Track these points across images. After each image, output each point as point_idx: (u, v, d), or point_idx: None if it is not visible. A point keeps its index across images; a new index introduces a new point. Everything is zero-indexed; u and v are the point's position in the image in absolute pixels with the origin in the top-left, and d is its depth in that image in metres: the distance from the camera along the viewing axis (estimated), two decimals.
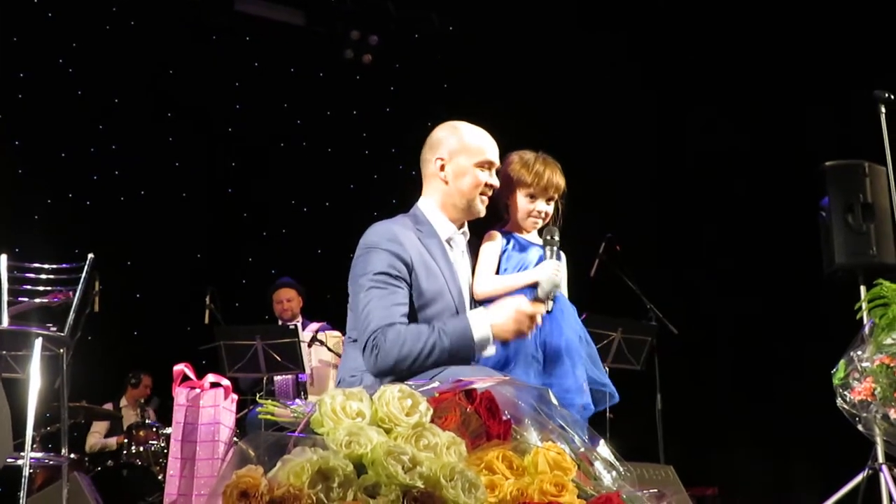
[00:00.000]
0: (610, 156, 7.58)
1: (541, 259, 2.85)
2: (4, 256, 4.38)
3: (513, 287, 2.79)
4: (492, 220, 3.00)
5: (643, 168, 7.56)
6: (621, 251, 6.11)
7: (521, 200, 2.91)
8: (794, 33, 7.00)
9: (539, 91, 8.10)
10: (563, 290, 2.86)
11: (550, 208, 2.93)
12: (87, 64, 7.78)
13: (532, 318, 2.63)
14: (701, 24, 7.36)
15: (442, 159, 2.84)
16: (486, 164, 2.83)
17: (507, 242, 2.91)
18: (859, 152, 4.66)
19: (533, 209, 2.90)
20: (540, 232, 2.94)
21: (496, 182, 2.86)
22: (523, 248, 2.90)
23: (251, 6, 8.46)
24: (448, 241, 2.85)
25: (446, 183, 2.84)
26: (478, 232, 2.97)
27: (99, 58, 7.75)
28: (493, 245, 2.90)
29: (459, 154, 2.83)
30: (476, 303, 2.85)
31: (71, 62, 7.81)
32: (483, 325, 2.60)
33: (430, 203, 2.87)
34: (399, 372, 2.55)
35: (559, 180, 2.92)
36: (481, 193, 2.83)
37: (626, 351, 5.66)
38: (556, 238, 2.85)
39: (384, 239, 2.69)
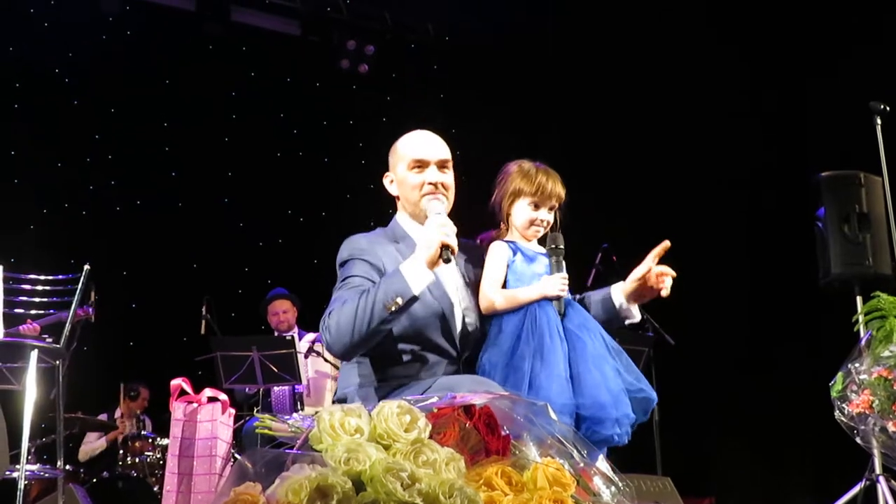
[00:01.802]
0: (606, 166, 7.58)
1: (548, 269, 2.84)
2: (0, 267, 4.36)
3: (521, 302, 2.76)
4: (487, 229, 2.99)
5: (639, 179, 7.55)
6: (617, 261, 6.09)
7: (524, 209, 2.90)
8: (790, 44, 7.02)
9: (534, 100, 8.10)
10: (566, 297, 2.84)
11: (551, 217, 2.93)
12: (82, 74, 7.78)
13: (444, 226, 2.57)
14: (696, 33, 7.36)
15: (391, 177, 2.92)
16: (416, 164, 2.83)
17: (514, 254, 2.88)
18: (855, 163, 4.68)
19: (536, 217, 2.89)
20: (541, 241, 2.94)
21: (441, 178, 2.82)
22: (530, 259, 2.87)
23: (247, 16, 8.47)
24: None
25: (399, 197, 2.91)
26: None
27: (95, 68, 7.75)
28: (500, 256, 2.86)
29: (395, 165, 2.90)
30: (479, 313, 2.82)
31: (67, 72, 7.81)
32: (419, 274, 2.52)
33: (403, 215, 2.92)
34: (352, 344, 2.50)
35: (560, 189, 2.92)
36: (427, 193, 2.80)
37: None
38: (561, 246, 2.84)
39: (355, 250, 2.74)
